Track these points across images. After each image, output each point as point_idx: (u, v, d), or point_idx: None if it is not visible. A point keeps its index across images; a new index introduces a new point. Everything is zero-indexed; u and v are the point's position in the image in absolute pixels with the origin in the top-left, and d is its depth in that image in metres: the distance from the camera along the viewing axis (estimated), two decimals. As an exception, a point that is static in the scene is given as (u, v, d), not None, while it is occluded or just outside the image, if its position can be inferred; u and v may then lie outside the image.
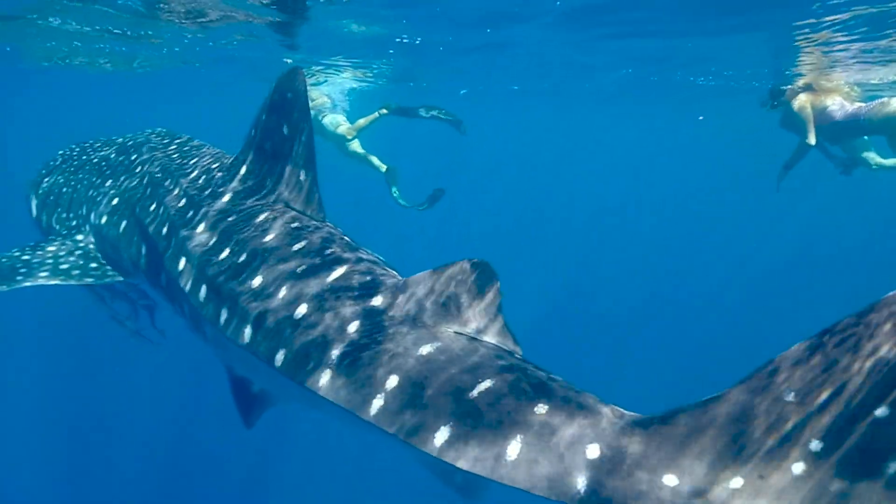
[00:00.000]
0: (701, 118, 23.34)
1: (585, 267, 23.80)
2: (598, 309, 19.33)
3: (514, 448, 1.80)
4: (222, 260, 2.93)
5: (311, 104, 11.77)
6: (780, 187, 9.04)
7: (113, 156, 5.22)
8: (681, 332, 17.42)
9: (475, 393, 1.95)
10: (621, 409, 1.91)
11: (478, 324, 2.22)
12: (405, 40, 10.19)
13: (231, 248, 2.95)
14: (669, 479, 1.63)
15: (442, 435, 1.89)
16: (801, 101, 8.79)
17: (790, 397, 1.55)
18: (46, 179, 5.68)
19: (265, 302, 2.56)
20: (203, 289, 2.92)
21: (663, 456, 1.67)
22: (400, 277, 2.57)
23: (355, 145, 11.31)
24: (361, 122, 11.13)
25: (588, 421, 1.82)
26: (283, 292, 2.55)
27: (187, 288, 3.05)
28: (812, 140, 8.43)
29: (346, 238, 3.00)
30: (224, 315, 2.72)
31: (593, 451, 1.75)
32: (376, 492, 10.86)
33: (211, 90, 18.19)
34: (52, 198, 5.37)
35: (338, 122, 11.54)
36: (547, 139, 34.92)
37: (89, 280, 4.19)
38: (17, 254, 4.38)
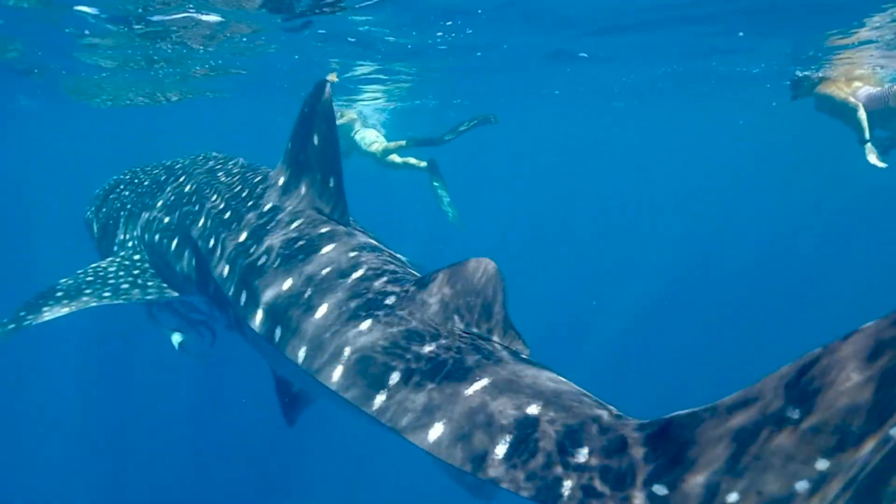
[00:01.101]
0: (741, 122, 23.13)
1: (610, 267, 23.78)
2: (634, 308, 19.23)
3: (501, 448, 1.83)
4: (259, 266, 3.12)
5: (340, 120, 11.93)
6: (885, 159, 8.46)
7: (163, 177, 5.51)
8: (704, 331, 17.29)
9: (470, 391, 2.00)
10: (621, 414, 1.90)
11: (484, 322, 2.29)
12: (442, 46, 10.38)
13: (267, 254, 3.14)
14: (659, 490, 1.61)
15: (435, 431, 1.95)
16: (828, 86, 8.59)
17: (795, 414, 1.48)
18: (102, 204, 6.06)
19: (292, 302, 2.73)
20: (243, 293, 3.12)
21: (657, 464, 1.64)
22: (417, 275, 2.71)
23: (393, 157, 11.41)
24: (391, 145, 11.28)
25: (582, 424, 1.83)
26: (308, 293, 2.72)
27: (230, 293, 3.25)
28: (857, 105, 8.07)
29: (370, 240, 3.16)
30: (259, 316, 2.89)
31: (583, 456, 1.75)
32: (391, 488, 10.94)
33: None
34: (108, 221, 5.71)
35: (371, 139, 11.70)
36: (573, 141, 34.93)
37: (149, 298, 4.39)
38: (81, 275, 4.63)
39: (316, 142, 3.24)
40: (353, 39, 9.06)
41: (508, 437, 1.85)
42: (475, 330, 2.29)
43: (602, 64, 12.26)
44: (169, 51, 9.31)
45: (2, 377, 13.89)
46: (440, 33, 8.87)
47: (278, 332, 2.71)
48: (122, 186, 6.10)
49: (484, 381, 2.03)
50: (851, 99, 8.26)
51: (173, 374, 13.34)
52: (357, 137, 11.76)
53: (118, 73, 10.30)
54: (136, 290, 4.45)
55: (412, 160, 11.14)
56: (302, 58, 10.29)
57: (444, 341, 2.23)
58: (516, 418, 1.89)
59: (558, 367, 2.20)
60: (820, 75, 9.62)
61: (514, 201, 34.52)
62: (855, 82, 8.63)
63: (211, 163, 5.11)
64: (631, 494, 1.62)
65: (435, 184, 10.83)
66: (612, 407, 1.94)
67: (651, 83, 15.54)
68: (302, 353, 2.51)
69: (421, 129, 12.26)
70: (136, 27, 7.80)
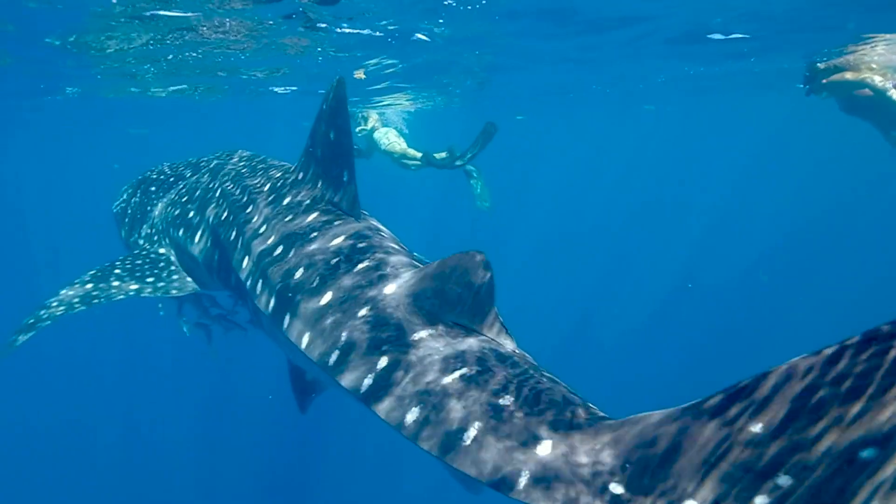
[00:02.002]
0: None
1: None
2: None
3: (470, 434, 1.89)
4: (274, 256, 3.24)
5: (367, 125, 11.89)
6: None
7: (189, 174, 5.69)
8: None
9: (449, 379, 2.08)
10: (595, 411, 1.91)
11: (473, 314, 2.35)
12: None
13: (283, 244, 3.26)
14: (616, 488, 1.62)
15: (412, 415, 2.04)
16: (843, 77, 8.04)
17: (758, 428, 1.45)
18: (131, 199, 6.25)
19: (299, 290, 2.86)
20: (259, 282, 3.25)
21: (616, 464, 1.65)
22: (421, 266, 2.78)
23: (412, 153, 11.27)
24: (412, 151, 11.17)
25: (550, 418, 1.86)
26: (315, 282, 2.83)
27: (248, 283, 3.38)
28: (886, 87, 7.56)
29: (380, 232, 3.25)
30: (272, 304, 3.02)
31: (545, 448, 1.77)
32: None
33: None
34: (135, 216, 5.89)
35: (390, 139, 11.65)
36: (602, 143, 34.90)
37: (174, 292, 4.53)
38: (109, 267, 4.78)
39: (332, 137, 3.35)
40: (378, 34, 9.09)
41: (477, 425, 1.91)
42: (462, 320, 2.35)
43: (638, 62, 12.20)
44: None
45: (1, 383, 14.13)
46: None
47: (287, 319, 2.83)
48: (149, 182, 6.28)
49: (463, 371, 2.09)
50: (878, 79, 7.67)
51: (186, 371, 13.64)
52: (377, 136, 11.78)
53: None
54: (162, 284, 4.59)
55: (439, 155, 10.79)
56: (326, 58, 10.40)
57: (432, 331, 2.31)
58: (487, 407, 1.94)
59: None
60: (835, 64, 9.09)
61: (543, 203, 34.60)
62: (870, 73, 7.99)
63: (235, 159, 5.23)
64: (587, 490, 1.64)
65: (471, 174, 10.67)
66: (590, 405, 1.97)
67: (682, 83, 15.39)
68: (305, 339, 2.63)
69: (443, 134, 12.27)
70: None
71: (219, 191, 4.56)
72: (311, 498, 12.34)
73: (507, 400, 1.96)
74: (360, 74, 11.37)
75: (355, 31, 8.72)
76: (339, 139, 3.31)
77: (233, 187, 4.39)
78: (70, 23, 7.92)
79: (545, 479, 1.71)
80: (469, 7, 7.73)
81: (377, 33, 8.98)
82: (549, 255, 26.87)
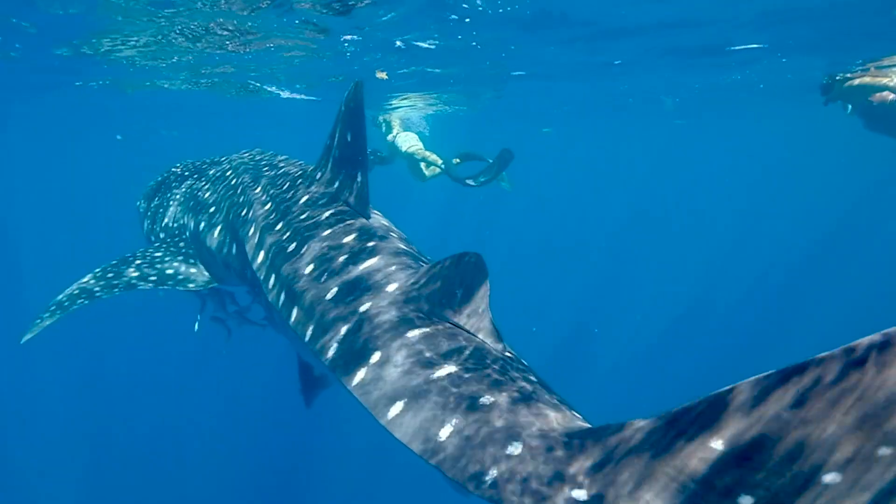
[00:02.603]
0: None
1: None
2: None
3: (446, 430, 1.95)
4: (287, 251, 3.33)
5: (392, 134, 11.78)
6: None
7: (211, 171, 5.81)
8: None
9: (435, 377, 2.14)
10: (575, 417, 1.93)
11: (467, 314, 2.39)
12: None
13: (296, 241, 3.35)
14: (579, 495, 1.63)
15: (395, 409, 2.10)
16: (862, 80, 7.69)
17: (719, 445, 1.42)
18: (154, 193, 6.41)
19: (308, 285, 2.94)
20: (272, 276, 3.33)
21: (581, 471, 1.67)
22: (425, 265, 2.87)
23: (433, 157, 11.14)
24: (433, 156, 11.06)
25: (528, 421, 1.89)
26: (322, 277, 2.93)
27: (262, 277, 3.46)
28: None
29: (389, 231, 3.33)
30: (282, 297, 3.11)
31: (515, 449, 1.81)
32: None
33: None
34: (157, 210, 6.04)
35: (411, 142, 11.61)
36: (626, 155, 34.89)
37: (191, 286, 4.63)
38: (129, 258, 4.91)
39: (349, 138, 3.44)
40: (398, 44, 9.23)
41: (455, 422, 1.96)
42: (455, 320, 2.41)
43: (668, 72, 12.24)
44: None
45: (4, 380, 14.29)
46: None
47: (294, 312, 2.92)
48: (172, 178, 6.43)
49: (450, 370, 2.16)
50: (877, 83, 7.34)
51: (195, 367, 13.77)
52: (399, 140, 11.75)
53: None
54: (181, 277, 4.71)
55: (437, 160, 10.88)
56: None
57: (427, 329, 2.37)
58: (465, 406, 2.00)
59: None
60: (849, 76, 8.81)
61: (556, 210, 34.61)
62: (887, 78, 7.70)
63: (257, 157, 5.33)
64: (551, 494, 1.67)
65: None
66: (570, 410, 2.01)
67: (710, 94, 15.33)
68: (309, 332, 2.72)
69: (462, 138, 12.22)
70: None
71: (239, 188, 4.66)
72: (312, 496, 12.43)
73: (487, 400, 1.99)
74: (382, 74, 11.33)
75: (361, 38, 8.87)
76: (356, 140, 3.40)
77: (253, 184, 4.49)
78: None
79: (510, 480, 1.74)
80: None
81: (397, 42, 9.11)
82: (558, 261, 26.91)
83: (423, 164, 11.31)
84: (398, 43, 9.18)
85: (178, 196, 5.89)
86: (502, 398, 1.99)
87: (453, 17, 7.73)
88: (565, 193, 39.28)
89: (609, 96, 15.77)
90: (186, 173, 6.38)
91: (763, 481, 1.32)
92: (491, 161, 9.99)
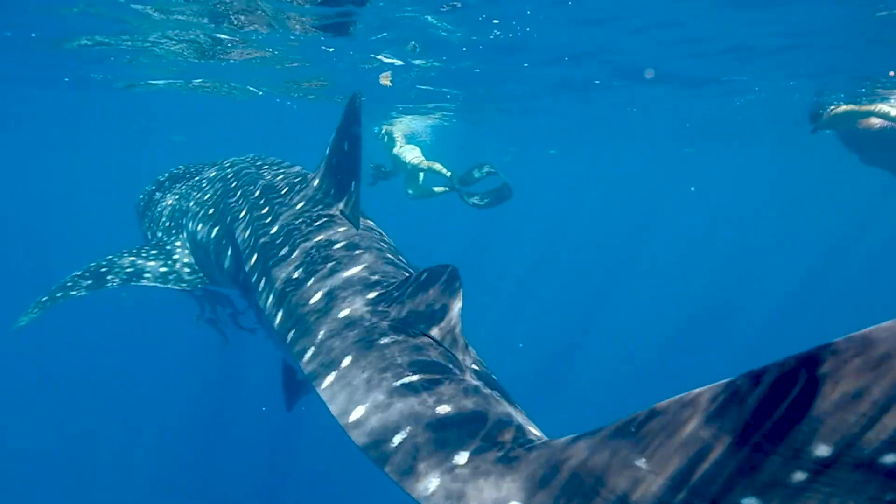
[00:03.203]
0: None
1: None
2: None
3: (399, 437, 2.01)
4: (279, 256, 3.38)
5: (397, 149, 11.78)
6: None
7: (212, 174, 5.81)
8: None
9: (397, 384, 2.20)
10: (527, 431, 1.96)
11: (440, 326, 2.44)
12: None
13: (287, 245, 3.42)
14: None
15: (356, 415, 2.16)
16: (849, 108, 7.58)
17: (642, 463, 1.46)
18: (154, 193, 6.45)
19: (293, 290, 3.01)
20: (262, 280, 3.39)
21: (519, 487, 1.73)
22: (409, 273, 2.94)
23: (438, 167, 11.05)
24: (438, 166, 11.04)
25: (476, 432, 1.95)
26: (307, 283, 3.00)
27: (253, 280, 3.51)
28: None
29: (378, 241, 3.39)
30: (269, 300, 3.17)
31: (462, 459, 1.87)
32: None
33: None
34: (156, 208, 6.09)
35: (417, 156, 11.56)
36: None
37: (184, 286, 4.69)
38: (126, 255, 4.95)
39: (346, 147, 3.52)
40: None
41: (408, 429, 2.03)
42: (428, 330, 2.46)
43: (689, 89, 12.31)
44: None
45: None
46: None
47: (279, 316, 2.99)
48: (172, 179, 6.49)
49: (413, 378, 2.21)
50: (888, 107, 7.27)
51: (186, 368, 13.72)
52: (402, 153, 11.78)
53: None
54: (174, 276, 4.76)
55: (443, 170, 10.89)
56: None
57: (398, 337, 2.44)
58: (421, 416, 2.05)
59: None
60: (837, 105, 8.69)
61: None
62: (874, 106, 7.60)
63: (259, 162, 5.37)
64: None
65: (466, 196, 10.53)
66: (525, 426, 2.03)
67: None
68: (290, 336, 2.79)
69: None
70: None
71: (238, 190, 4.70)
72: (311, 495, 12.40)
73: (443, 410, 2.05)
74: (385, 80, 11.26)
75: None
76: (352, 150, 3.48)
77: (252, 188, 4.54)
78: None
79: (451, 494, 1.79)
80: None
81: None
82: (551, 276, 26.92)
83: (421, 175, 11.34)
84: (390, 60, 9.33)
85: (176, 196, 5.93)
86: (460, 412, 2.04)
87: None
88: (562, 211, 39.40)
89: (602, 120, 15.86)
90: (186, 175, 6.43)
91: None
92: (500, 184, 10.04)
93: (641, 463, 1.44)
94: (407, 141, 12.98)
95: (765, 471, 1.24)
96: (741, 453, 1.27)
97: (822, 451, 1.16)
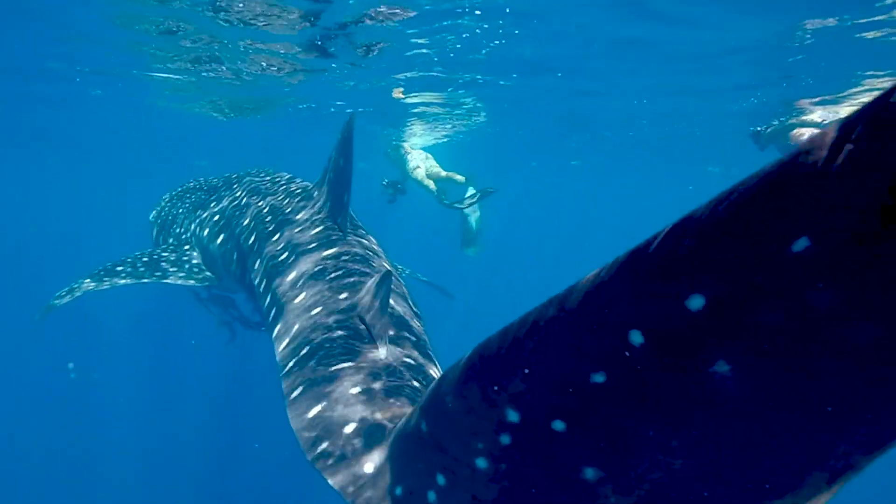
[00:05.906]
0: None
1: None
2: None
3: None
4: (278, 262, 3.71)
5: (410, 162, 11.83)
6: None
7: (220, 186, 6.22)
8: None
9: (353, 392, 2.42)
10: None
11: (397, 332, 2.82)
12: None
13: (287, 253, 3.73)
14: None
15: (310, 414, 2.40)
16: (785, 123, 7.84)
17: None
18: (167, 203, 6.94)
19: (287, 295, 3.32)
20: (263, 283, 3.70)
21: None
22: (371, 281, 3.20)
23: (456, 176, 11.05)
24: (456, 176, 10.99)
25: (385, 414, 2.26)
26: (299, 288, 3.31)
27: (255, 283, 3.83)
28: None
29: (371, 248, 3.71)
30: (267, 301, 3.47)
31: (377, 456, 2.10)
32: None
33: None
34: (169, 217, 6.56)
35: (419, 159, 11.57)
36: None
37: (191, 282, 5.10)
38: (139, 255, 5.40)
39: (341, 163, 3.80)
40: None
41: (354, 426, 2.25)
42: (397, 337, 2.79)
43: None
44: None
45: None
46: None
47: (274, 317, 3.29)
48: (184, 191, 7.00)
49: (367, 386, 2.44)
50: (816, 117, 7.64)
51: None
52: (407, 159, 11.78)
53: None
54: (182, 274, 5.16)
55: (456, 176, 10.87)
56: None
57: (367, 345, 2.69)
58: (366, 420, 2.27)
59: None
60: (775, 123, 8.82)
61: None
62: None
63: (266, 177, 5.69)
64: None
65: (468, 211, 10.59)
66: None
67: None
68: (281, 341, 3.04)
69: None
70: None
71: (244, 200, 5.06)
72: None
73: (380, 417, 2.28)
74: (398, 94, 11.34)
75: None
76: (346, 166, 3.77)
77: (257, 199, 4.88)
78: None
79: (363, 486, 2.04)
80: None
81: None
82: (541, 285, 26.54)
83: (435, 185, 11.04)
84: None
85: (188, 206, 6.35)
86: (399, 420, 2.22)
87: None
88: (554, 225, 39.42)
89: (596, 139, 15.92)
90: (197, 187, 6.91)
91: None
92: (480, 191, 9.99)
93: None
94: (412, 147, 12.63)
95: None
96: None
97: None
